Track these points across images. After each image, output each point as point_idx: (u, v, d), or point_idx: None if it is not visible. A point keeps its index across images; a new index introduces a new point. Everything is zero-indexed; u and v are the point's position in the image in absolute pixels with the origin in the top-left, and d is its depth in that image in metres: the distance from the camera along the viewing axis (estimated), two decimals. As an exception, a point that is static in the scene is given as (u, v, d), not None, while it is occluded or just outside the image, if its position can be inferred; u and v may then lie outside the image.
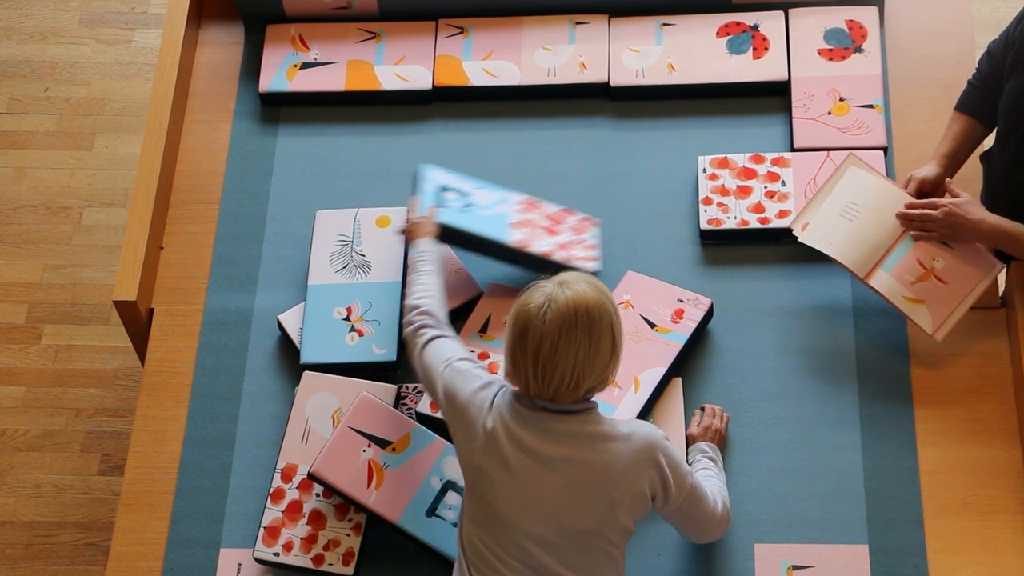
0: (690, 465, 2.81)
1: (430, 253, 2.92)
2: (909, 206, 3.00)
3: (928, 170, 3.06)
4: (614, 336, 2.53)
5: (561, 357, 2.49)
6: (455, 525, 2.82)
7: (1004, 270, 3.06)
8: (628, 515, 2.58)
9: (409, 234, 3.01)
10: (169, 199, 3.33)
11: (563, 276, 2.56)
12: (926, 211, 2.97)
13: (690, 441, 2.91)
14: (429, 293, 2.82)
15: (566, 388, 2.52)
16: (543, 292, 2.52)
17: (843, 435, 2.96)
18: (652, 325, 3.01)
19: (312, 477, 2.86)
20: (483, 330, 3.04)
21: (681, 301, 3.04)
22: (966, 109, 3.11)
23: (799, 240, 3.04)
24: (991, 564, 2.82)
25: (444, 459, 2.87)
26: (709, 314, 3.05)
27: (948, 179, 3.01)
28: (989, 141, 3.17)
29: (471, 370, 2.66)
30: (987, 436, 2.95)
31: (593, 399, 2.59)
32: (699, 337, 3.06)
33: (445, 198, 3.06)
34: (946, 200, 2.96)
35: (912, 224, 3.00)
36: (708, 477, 2.79)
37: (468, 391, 2.62)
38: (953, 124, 3.11)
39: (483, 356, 3.00)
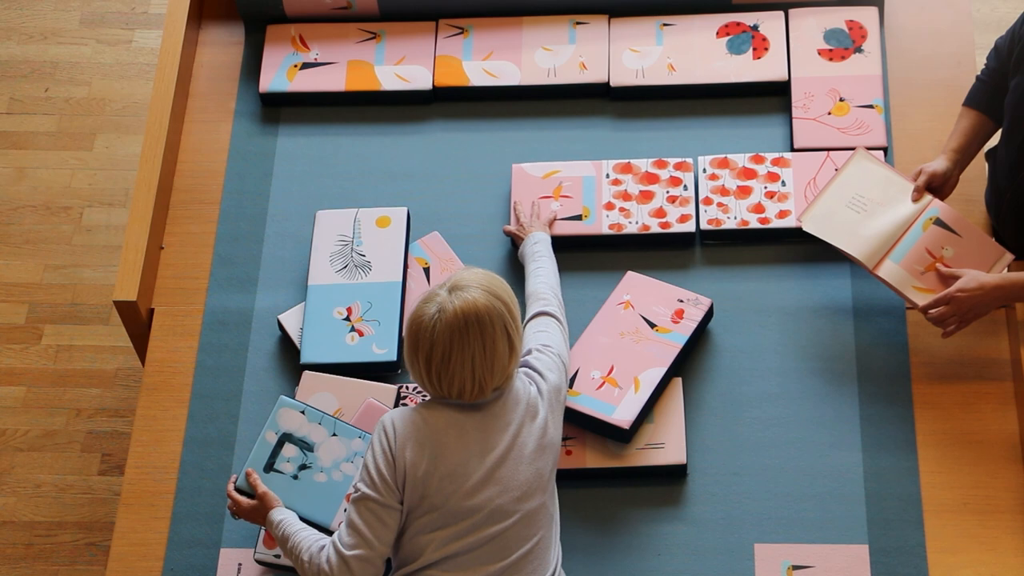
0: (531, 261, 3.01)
1: (289, 518, 2.73)
2: (925, 309, 2.93)
3: (937, 164, 3.06)
4: (509, 335, 2.61)
5: (456, 365, 2.58)
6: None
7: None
8: (552, 419, 2.70)
9: (252, 514, 2.79)
10: (169, 199, 3.33)
11: (457, 280, 2.62)
12: (940, 309, 2.92)
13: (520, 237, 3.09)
14: (314, 536, 2.69)
15: (470, 390, 2.61)
16: (435, 301, 2.60)
17: (843, 435, 2.96)
18: (652, 325, 3.02)
19: None
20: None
21: (681, 301, 3.04)
22: (975, 104, 3.11)
23: (807, 231, 3.04)
24: (991, 564, 2.82)
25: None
26: (709, 314, 3.05)
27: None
28: (994, 139, 3.17)
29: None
30: (987, 436, 2.95)
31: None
32: (699, 337, 3.06)
33: (282, 455, 2.84)
34: (951, 290, 2.90)
35: (938, 325, 2.95)
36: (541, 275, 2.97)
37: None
38: (962, 119, 3.11)
39: None
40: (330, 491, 2.81)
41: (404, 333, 2.64)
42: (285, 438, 2.85)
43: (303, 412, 2.87)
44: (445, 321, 2.56)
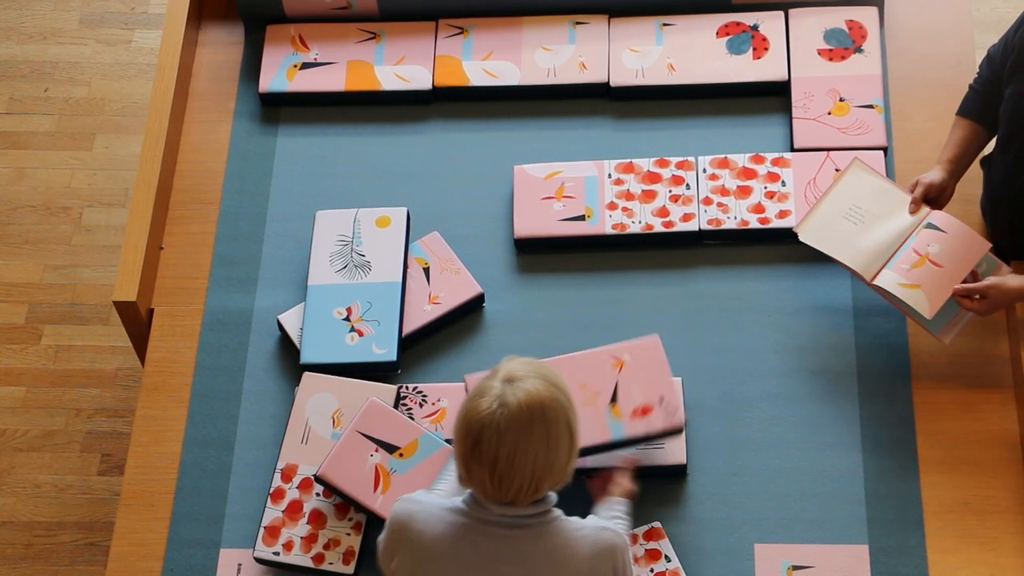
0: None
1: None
2: (957, 295, 2.94)
3: (933, 175, 3.06)
4: (571, 431, 2.40)
5: (519, 464, 2.34)
6: None
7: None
8: None
9: None
10: (169, 199, 3.33)
11: (510, 370, 2.37)
12: (975, 300, 2.92)
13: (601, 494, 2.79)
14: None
15: (526, 492, 2.39)
16: (492, 394, 2.34)
17: (843, 435, 2.96)
18: (613, 400, 2.85)
19: (319, 480, 2.86)
20: None
21: (662, 400, 2.86)
22: (968, 113, 3.11)
23: (803, 242, 3.04)
24: (991, 564, 2.82)
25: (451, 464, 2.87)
26: (678, 431, 2.85)
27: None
28: (990, 146, 3.17)
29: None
30: (987, 436, 2.95)
31: (553, 505, 2.47)
32: (645, 443, 2.86)
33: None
34: (983, 285, 2.91)
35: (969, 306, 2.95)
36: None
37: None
38: (956, 129, 3.11)
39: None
40: None
41: (456, 433, 2.38)
42: None
43: None
44: (509, 416, 2.30)
